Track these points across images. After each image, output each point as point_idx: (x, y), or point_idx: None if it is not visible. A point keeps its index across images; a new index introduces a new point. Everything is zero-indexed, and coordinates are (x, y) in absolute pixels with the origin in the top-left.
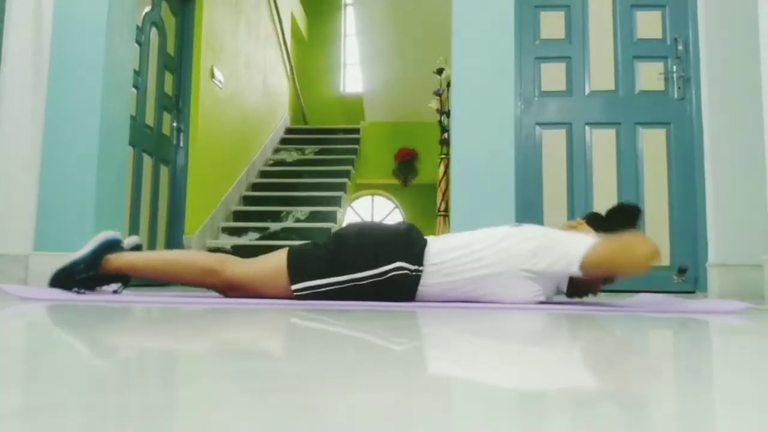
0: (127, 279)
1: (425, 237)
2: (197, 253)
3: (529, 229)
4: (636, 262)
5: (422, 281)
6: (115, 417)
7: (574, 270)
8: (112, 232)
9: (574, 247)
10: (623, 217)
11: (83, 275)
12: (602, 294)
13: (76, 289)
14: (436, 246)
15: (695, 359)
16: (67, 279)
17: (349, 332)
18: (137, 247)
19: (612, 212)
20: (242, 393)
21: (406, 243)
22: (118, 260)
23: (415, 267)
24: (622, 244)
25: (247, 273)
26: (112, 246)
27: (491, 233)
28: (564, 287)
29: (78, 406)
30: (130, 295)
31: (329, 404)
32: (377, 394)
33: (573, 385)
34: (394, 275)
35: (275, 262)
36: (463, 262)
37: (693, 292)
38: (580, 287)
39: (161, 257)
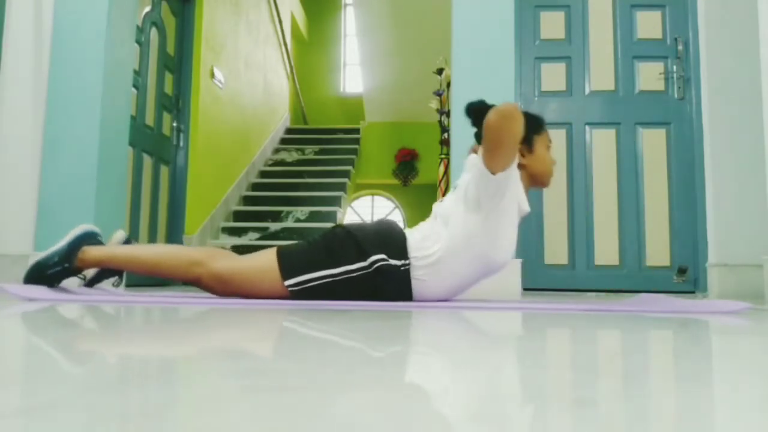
0: (119, 273)
1: (403, 231)
2: (183, 246)
3: (461, 186)
4: (495, 119)
5: (413, 274)
6: (115, 417)
7: (486, 173)
8: (90, 225)
9: (477, 163)
10: (480, 113)
11: (57, 268)
12: (602, 294)
13: (52, 284)
14: (413, 238)
15: (695, 359)
16: (39, 275)
17: (347, 332)
18: (127, 242)
19: (470, 116)
20: (242, 393)
21: (386, 237)
22: (96, 252)
23: (401, 262)
24: (486, 126)
25: (235, 266)
26: (89, 239)
27: (443, 211)
28: (521, 193)
29: (78, 406)
30: (129, 296)
31: (329, 404)
32: (378, 393)
33: (572, 386)
34: (381, 266)
35: (264, 258)
36: (436, 242)
37: (693, 292)
38: (532, 179)
39: (145, 248)
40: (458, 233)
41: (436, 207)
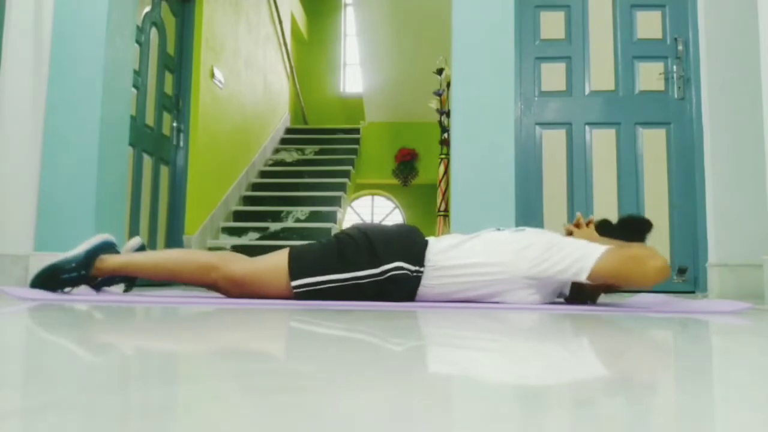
0: (131, 281)
1: (426, 238)
2: (198, 251)
3: (533, 234)
4: (645, 275)
5: (423, 282)
6: (115, 417)
7: (583, 278)
8: (108, 235)
9: (585, 254)
10: (634, 228)
11: (73, 274)
12: (603, 294)
13: (61, 289)
14: (437, 247)
15: (695, 359)
16: (53, 278)
17: (349, 332)
18: (141, 248)
19: (623, 222)
20: (243, 393)
21: (407, 244)
22: (113, 260)
23: (416, 268)
24: (632, 256)
25: (248, 269)
26: (107, 248)
27: (494, 238)
28: (566, 291)
29: (78, 406)
30: (130, 296)
31: (330, 404)
32: (379, 393)
33: (573, 385)
34: (394, 275)
35: (277, 259)
36: (463, 265)
37: (693, 292)
38: (582, 293)
39: (161, 254)
40: (494, 268)
41: (489, 233)
